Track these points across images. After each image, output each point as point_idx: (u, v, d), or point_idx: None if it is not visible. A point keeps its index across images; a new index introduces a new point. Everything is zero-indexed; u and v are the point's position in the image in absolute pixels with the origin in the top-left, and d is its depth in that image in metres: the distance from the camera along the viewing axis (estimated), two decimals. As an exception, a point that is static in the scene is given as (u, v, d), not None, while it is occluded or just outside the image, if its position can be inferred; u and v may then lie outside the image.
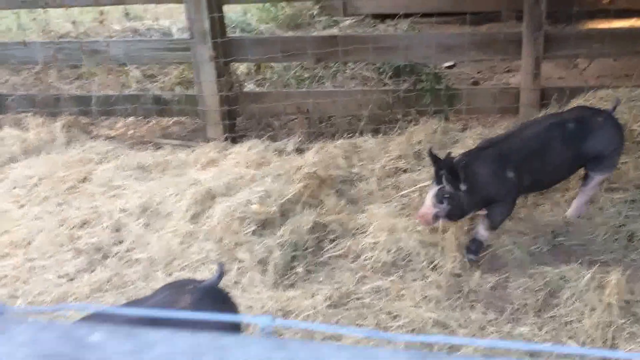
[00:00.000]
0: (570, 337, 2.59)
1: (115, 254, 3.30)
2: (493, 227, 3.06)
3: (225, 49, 4.31)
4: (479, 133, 4.11)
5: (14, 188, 4.03)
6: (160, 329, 0.53)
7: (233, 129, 4.50)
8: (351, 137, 4.33)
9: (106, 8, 5.73)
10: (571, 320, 2.66)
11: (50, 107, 4.67)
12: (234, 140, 4.42)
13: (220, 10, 4.26)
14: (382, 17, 6.79)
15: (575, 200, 3.37)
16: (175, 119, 4.84)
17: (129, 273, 3.13)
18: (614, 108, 3.29)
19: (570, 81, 5.28)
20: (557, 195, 3.58)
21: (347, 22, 6.56)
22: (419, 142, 4.06)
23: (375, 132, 4.39)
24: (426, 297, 2.82)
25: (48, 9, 4.50)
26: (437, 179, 2.90)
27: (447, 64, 5.74)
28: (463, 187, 2.88)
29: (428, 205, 2.93)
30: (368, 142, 4.25)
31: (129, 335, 0.48)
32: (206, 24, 4.15)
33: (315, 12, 6.87)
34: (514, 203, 3.10)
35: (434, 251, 3.09)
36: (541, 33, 4.03)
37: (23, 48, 4.56)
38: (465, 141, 3.97)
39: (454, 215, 2.97)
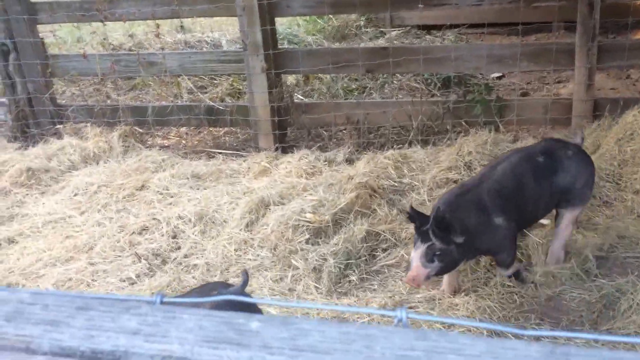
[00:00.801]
0: (627, 351, 2.57)
1: (174, 259, 3.41)
2: (508, 267, 2.91)
3: (277, 60, 4.40)
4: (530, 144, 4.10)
5: (75, 195, 4.19)
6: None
7: (284, 139, 4.59)
8: (400, 147, 4.37)
9: (159, 20, 5.91)
10: (628, 333, 2.64)
11: (107, 117, 4.85)
12: (285, 151, 4.51)
13: (273, 23, 4.37)
14: (428, 28, 6.82)
15: (550, 246, 3.11)
16: (226, 129, 4.96)
17: (188, 278, 3.22)
18: (582, 140, 3.13)
19: (623, 92, 5.22)
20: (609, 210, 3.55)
21: (394, 33, 6.61)
22: (469, 153, 4.07)
23: (425, 143, 4.43)
24: (480, 307, 2.84)
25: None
26: (422, 237, 2.61)
27: (495, 75, 5.74)
28: (459, 239, 2.58)
29: (417, 266, 2.62)
30: (418, 152, 4.28)
31: (284, 324, 0.54)
32: (258, 36, 4.26)
33: (362, 24, 6.95)
34: (514, 244, 2.89)
35: (485, 261, 3.11)
36: (595, 44, 4.01)
37: (83, 60, 4.74)
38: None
39: (446, 270, 2.73)
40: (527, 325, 2.72)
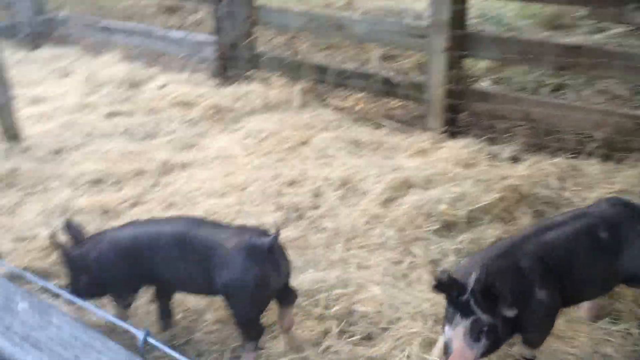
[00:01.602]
0: None
1: (309, 217, 3.56)
2: (535, 347, 2.35)
3: (462, 42, 4.27)
4: None
5: (246, 138, 4.53)
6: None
7: (454, 124, 4.47)
8: (575, 157, 4.03)
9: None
10: None
11: (293, 71, 5.11)
12: (451, 135, 4.40)
13: (464, 2, 4.22)
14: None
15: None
16: (401, 102, 4.96)
17: (313, 238, 3.35)
18: None
19: None
20: None
21: (614, 31, 5.98)
22: (653, 181, 3.63)
23: (606, 158, 4.02)
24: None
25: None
26: (463, 310, 2.07)
27: None
28: (511, 312, 2.07)
29: (461, 348, 2.06)
30: (593, 166, 3.91)
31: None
32: (446, 15, 4.15)
33: (582, 14, 6.38)
34: (552, 324, 2.34)
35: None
36: None
37: (282, 14, 5.03)
38: None
39: (491, 351, 2.17)
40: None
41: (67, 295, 0.83)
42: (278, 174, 3.98)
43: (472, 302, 2.04)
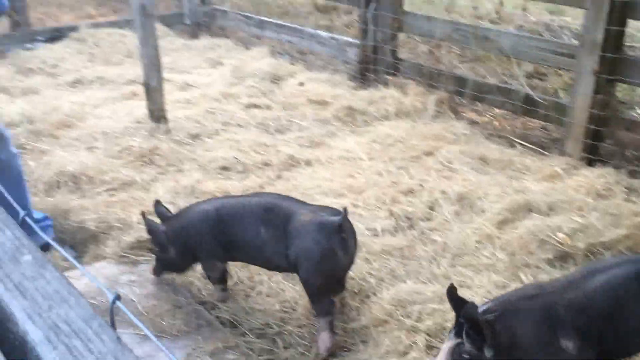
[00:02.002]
0: None
1: (420, 228, 3.51)
2: None
3: (614, 66, 3.97)
4: None
5: (373, 142, 4.55)
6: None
7: (593, 151, 4.17)
8: None
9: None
10: None
11: (432, 79, 5.05)
12: (590, 163, 4.11)
13: (622, 24, 3.91)
14: None
15: None
16: (540, 122, 4.71)
17: (420, 250, 3.30)
18: None
19: None
20: None
21: None
22: None
23: None
24: None
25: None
26: (457, 329, 2.05)
27: None
28: (488, 353, 1.98)
29: None
30: None
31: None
32: (599, 35, 3.88)
33: None
34: None
35: None
36: None
37: (427, 21, 4.98)
38: None
39: None
40: None
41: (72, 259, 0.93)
42: (397, 182, 3.96)
43: (464, 327, 2.01)
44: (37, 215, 3.36)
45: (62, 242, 3.39)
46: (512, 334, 1.98)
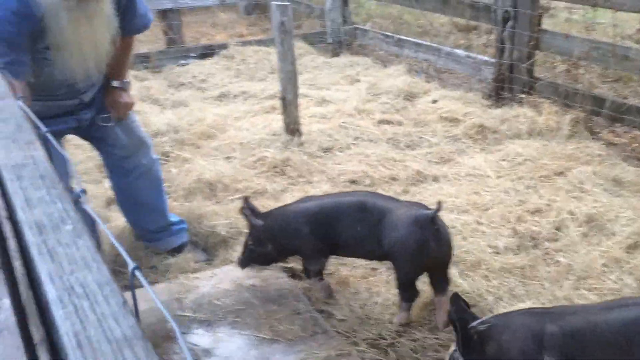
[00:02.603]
0: None
1: (544, 248, 3.46)
2: None
3: None
4: None
5: (503, 160, 4.52)
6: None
7: None
8: None
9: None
10: None
11: (568, 99, 4.91)
12: None
13: None
14: None
15: None
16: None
17: (543, 270, 3.26)
18: None
19: None
20: None
21: None
22: None
23: None
24: None
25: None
26: (457, 336, 2.16)
27: None
28: None
29: None
30: None
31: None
32: None
33: None
34: None
35: None
36: None
37: (564, 39, 4.86)
38: None
39: None
40: None
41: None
42: (524, 200, 3.92)
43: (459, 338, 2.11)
44: (174, 218, 3.63)
45: (195, 245, 3.68)
46: (498, 346, 1.99)
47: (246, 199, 3.16)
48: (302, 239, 3.04)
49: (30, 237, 0.92)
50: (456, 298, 2.14)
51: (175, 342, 2.75)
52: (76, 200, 1.03)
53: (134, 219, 3.57)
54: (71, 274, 0.81)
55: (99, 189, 4.26)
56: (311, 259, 3.12)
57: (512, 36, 5.35)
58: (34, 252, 0.88)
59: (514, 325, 2.03)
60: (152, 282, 3.31)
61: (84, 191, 0.78)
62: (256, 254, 3.13)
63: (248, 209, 3.09)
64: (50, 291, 0.78)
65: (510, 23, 5.34)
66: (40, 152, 1.24)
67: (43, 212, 0.99)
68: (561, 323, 1.98)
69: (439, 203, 2.78)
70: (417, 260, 2.81)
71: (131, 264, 0.80)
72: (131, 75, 6.43)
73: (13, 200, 1.05)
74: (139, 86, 6.20)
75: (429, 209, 2.83)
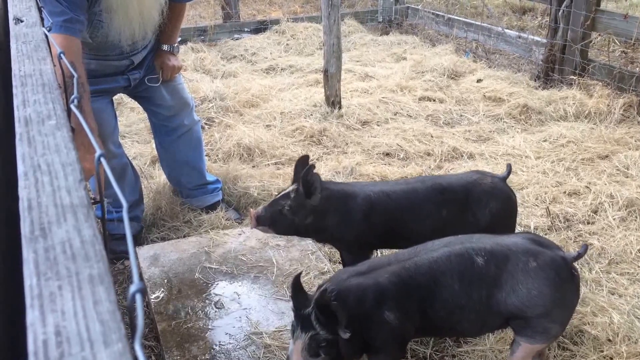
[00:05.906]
0: None
1: (577, 230, 3.33)
2: None
3: None
4: None
5: (544, 141, 4.38)
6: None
7: None
8: None
9: None
10: None
11: (622, 82, 4.71)
12: None
13: None
14: None
15: None
16: None
17: (572, 251, 3.13)
18: None
19: None
20: None
21: None
22: None
23: None
24: None
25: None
26: (303, 323, 1.97)
27: None
28: (345, 334, 1.93)
29: None
30: None
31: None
32: None
33: None
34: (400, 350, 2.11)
35: None
36: None
37: (623, 21, 4.66)
38: None
39: None
40: None
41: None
42: (561, 182, 3.79)
43: (312, 317, 1.96)
44: (210, 178, 3.74)
45: (228, 204, 3.74)
46: (347, 311, 1.93)
47: (312, 166, 2.48)
48: (356, 223, 2.53)
49: (17, 128, 0.95)
50: (297, 281, 2.00)
51: (199, 290, 2.82)
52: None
53: (173, 176, 3.69)
54: (42, 156, 0.84)
55: (146, 149, 4.41)
56: (354, 246, 2.63)
57: (568, 16, 5.15)
58: (16, 140, 0.91)
59: (353, 289, 2.02)
60: (185, 235, 3.40)
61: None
62: (288, 222, 2.53)
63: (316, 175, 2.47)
64: (20, 168, 0.81)
65: (566, 2, 5.15)
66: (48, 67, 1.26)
67: (34, 110, 1.03)
68: (389, 275, 2.03)
69: (509, 165, 2.72)
70: (513, 219, 2.76)
71: (99, 151, 0.83)
72: (188, 46, 6.62)
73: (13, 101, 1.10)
74: (194, 57, 6.35)
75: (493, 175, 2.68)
